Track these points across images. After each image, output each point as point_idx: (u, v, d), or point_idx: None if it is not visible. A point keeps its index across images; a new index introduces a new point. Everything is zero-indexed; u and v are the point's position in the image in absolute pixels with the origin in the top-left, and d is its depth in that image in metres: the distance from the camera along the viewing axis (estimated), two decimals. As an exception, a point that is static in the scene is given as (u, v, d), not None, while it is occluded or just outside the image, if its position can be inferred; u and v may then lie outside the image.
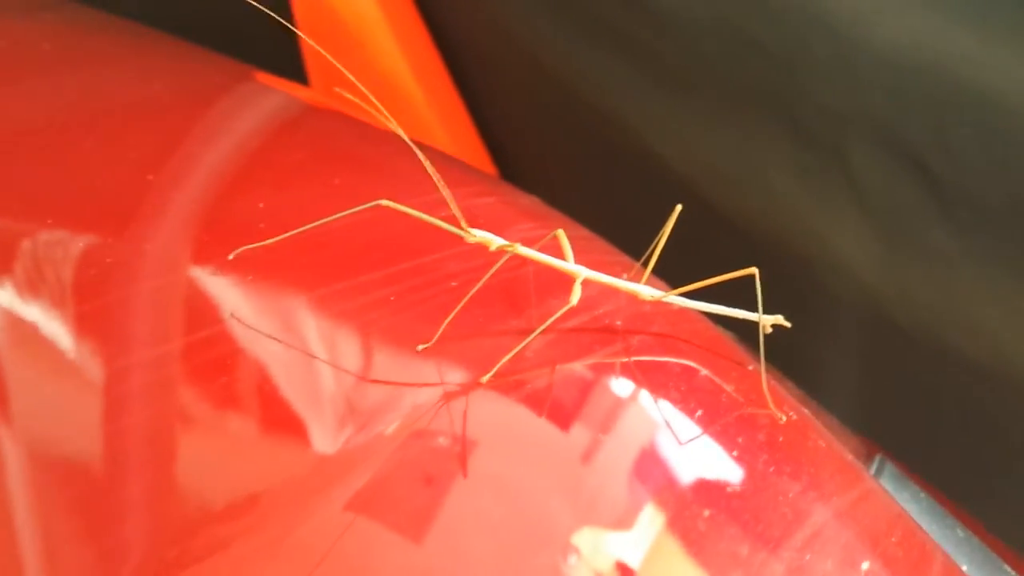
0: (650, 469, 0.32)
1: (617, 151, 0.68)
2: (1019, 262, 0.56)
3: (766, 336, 0.38)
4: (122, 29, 0.59)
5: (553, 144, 0.67)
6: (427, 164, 0.32)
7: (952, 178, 0.56)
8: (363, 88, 0.31)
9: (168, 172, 0.41)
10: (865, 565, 0.30)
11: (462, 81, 0.70)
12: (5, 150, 0.42)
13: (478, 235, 0.34)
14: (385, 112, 0.32)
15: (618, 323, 0.37)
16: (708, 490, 0.31)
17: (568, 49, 0.66)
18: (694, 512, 0.30)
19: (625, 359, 0.36)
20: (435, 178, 0.32)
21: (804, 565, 0.29)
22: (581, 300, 0.36)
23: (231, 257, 0.35)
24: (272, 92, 0.53)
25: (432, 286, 0.37)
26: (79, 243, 0.36)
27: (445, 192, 0.33)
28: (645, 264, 0.40)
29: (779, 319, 0.40)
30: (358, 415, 0.32)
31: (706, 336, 0.39)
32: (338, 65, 0.34)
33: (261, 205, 0.40)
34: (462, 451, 0.31)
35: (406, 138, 0.35)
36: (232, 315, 0.34)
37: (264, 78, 0.53)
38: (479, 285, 0.34)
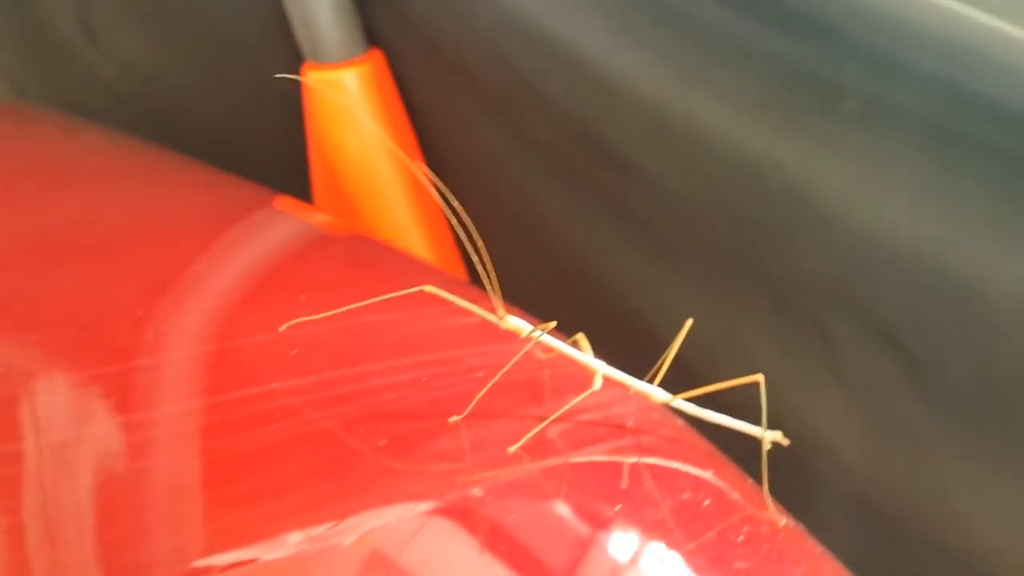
0: (658, 559, 0.34)
1: (601, 309, 0.71)
2: (994, 449, 0.57)
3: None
4: (133, 148, 0.62)
5: (536, 293, 0.70)
6: (467, 242, 0.36)
7: (930, 362, 0.57)
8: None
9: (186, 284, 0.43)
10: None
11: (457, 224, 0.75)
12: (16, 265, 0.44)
13: (511, 321, 0.37)
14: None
15: (629, 423, 0.40)
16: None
17: (564, 212, 0.69)
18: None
19: (635, 458, 0.38)
20: (475, 259, 0.36)
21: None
22: (595, 400, 0.39)
23: (282, 329, 0.37)
24: (288, 218, 0.57)
25: (459, 374, 0.39)
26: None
27: (485, 278, 0.37)
28: (651, 380, 0.43)
29: (778, 435, 0.42)
30: (390, 480, 0.33)
31: (709, 444, 0.42)
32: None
33: (302, 297, 0.43)
34: (490, 525, 0.32)
35: (447, 208, 0.38)
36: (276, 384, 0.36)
37: (282, 203, 0.57)
38: (508, 366, 0.36)
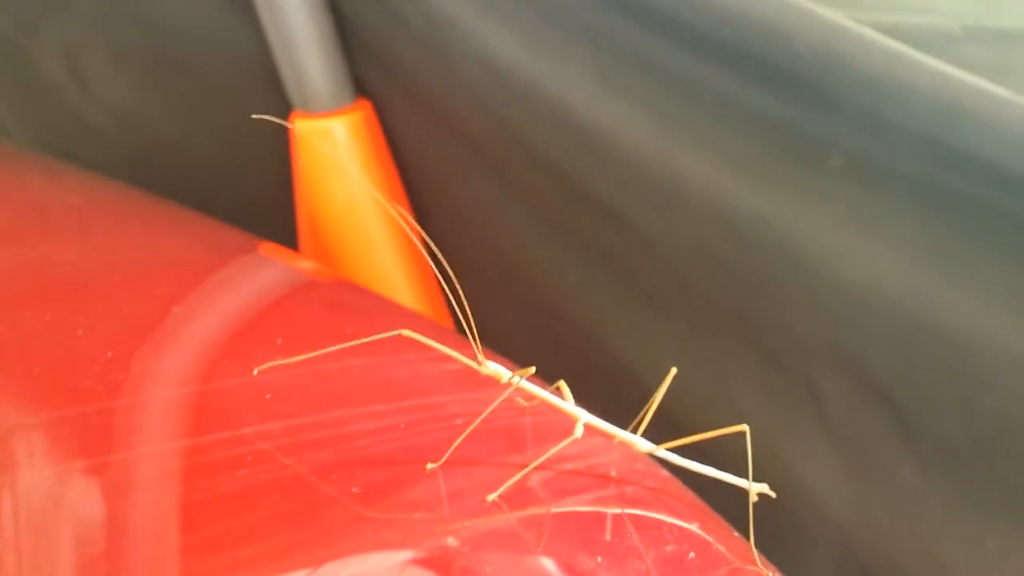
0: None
1: (584, 357, 0.70)
2: (985, 503, 0.56)
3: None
4: (116, 191, 0.62)
5: (520, 341, 0.70)
6: (445, 286, 0.35)
7: (919, 415, 0.57)
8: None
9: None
10: None
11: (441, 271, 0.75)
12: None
13: (491, 367, 0.37)
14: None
15: (612, 473, 0.39)
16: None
17: (548, 260, 0.69)
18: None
19: (619, 509, 0.37)
20: (454, 302, 0.35)
21: None
22: (577, 448, 0.38)
23: (256, 372, 0.37)
24: (272, 263, 0.56)
25: (438, 420, 0.38)
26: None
27: (464, 323, 0.36)
28: (635, 429, 0.42)
29: (765, 488, 0.42)
30: (363, 528, 0.32)
31: (694, 496, 0.41)
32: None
33: (279, 341, 0.42)
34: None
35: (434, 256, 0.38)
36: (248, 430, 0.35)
37: (266, 249, 0.57)
38: (487, 412, 0.36)
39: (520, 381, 0.36)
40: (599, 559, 0.34)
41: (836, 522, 0.63)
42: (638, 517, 0.37)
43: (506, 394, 0.37)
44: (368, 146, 0.72)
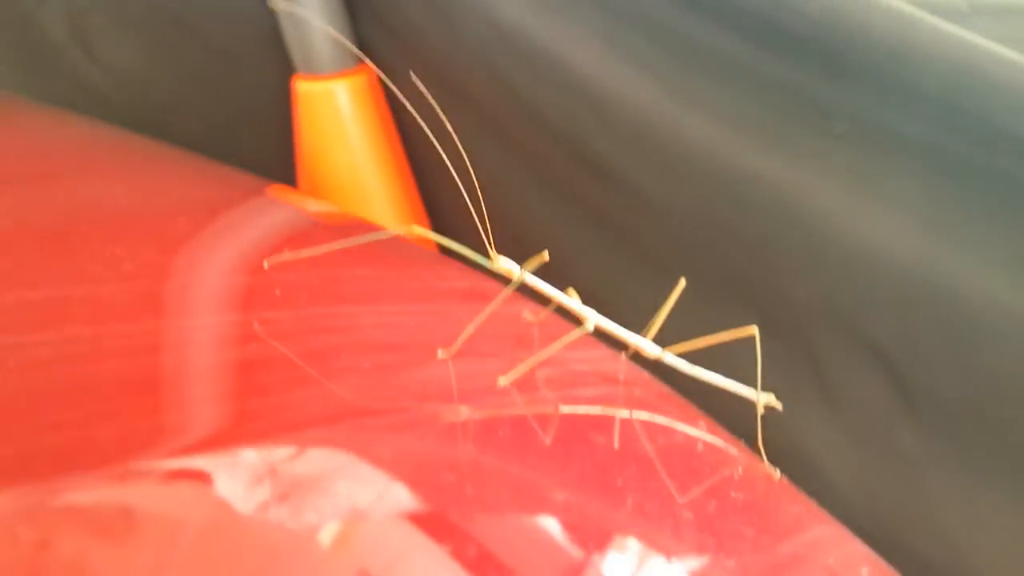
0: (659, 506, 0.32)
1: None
2: (981, 465, 0.56)
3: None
4: (122, 139, 0.62)
5: None
6: (466, 192, 0.35)
7: (918, 379, 0.57)
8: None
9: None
10: (864, 571, 0.30)
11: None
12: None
13: (502, 262, 0.37)
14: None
15: (621, 376, 0.39)
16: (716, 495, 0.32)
17: (550, 223, 0.69)
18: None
19: (627, 412, 0.37)
20: (471, 205, 0.35)
21: (808, 555, 0.29)
22: (587, 355, 0.38)
23: (266, 265, 0.36)
24: (281, 204, 0.56)
25: (447, 322, 0.38)
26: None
27: (479, 219, 0.36)
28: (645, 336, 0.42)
29: (771, 398, 0.41)
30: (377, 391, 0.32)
31: (698, 409, 0.41)
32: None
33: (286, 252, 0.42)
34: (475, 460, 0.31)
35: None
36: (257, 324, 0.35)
37: (274, 190, 0.56)
38: (498, 300, 0.35)
39: (527, 276, 0.36)
40: (619, 479, 0.33)
41: (838, 490, 0.62)
42: (646, 422, 0.37)
43: (514, 285, 0.36)
44: (370, 109, 0.72)
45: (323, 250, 0.37)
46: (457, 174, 0.36)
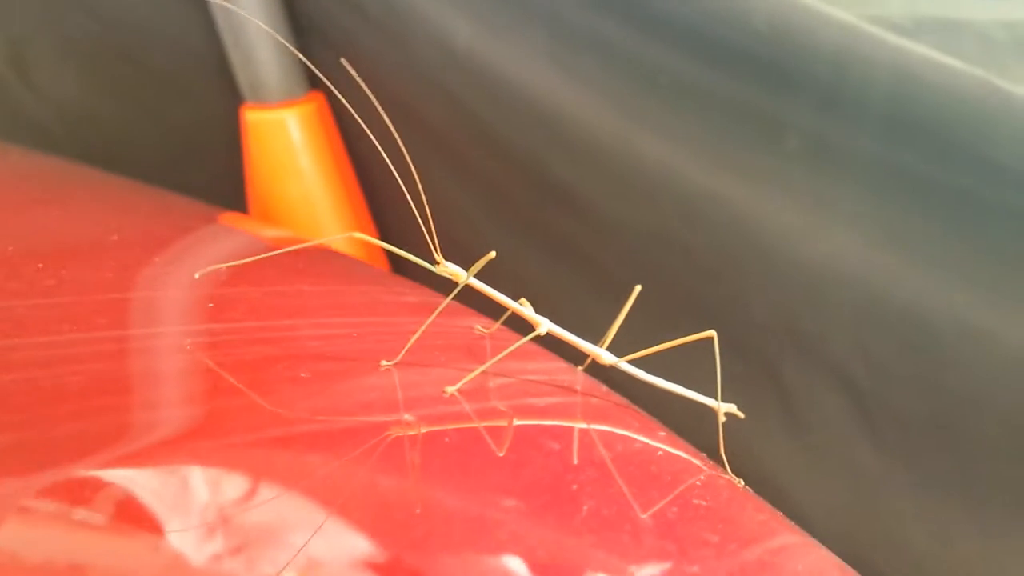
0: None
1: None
2: (943, 482, 0.55)
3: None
4: (66, 170, 0.59)
5: None
6: (413, 201, 0.34)
7: (877, 394, 0.56)
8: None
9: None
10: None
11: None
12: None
13: (449, 266, 0.35)
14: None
15: (577, 387, 0.37)
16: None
17: (507, 249, 0.68)
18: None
19: (584, 424, 0.35)
20: (415, 212, 0.34)
21: (775, 561, 0.27)
22: (540, 367, 0.36)
23: (197, 276, 0.34)
24: (233, 231, 0.54)
25: (394, 334, 0.36)
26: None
27: (424, 223, 0.34)
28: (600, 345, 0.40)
29: (733, 408, 0.40)
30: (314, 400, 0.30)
31: (659, 416, 0.39)
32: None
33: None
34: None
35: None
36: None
37: (225, 218, 0.55)
38: (445, 303, 0.34)
39: (472, 279, 0.35)
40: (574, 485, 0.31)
41: (799, 508, 0.61)
42: (604, 432, 0.35)
43: (459, 288, 0.35)
44: (320, 135, 0.71)
45: (257, 258, 0.35)
46: (408, 193, 0.34)
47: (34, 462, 0.24)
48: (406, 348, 0.33)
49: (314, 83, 0.71)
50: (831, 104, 0.54)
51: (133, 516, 0.23)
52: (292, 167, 0.71)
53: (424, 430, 0.29)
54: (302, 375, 0.30)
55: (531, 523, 0.25)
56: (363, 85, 0.34)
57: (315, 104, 0.71)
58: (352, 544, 0.24)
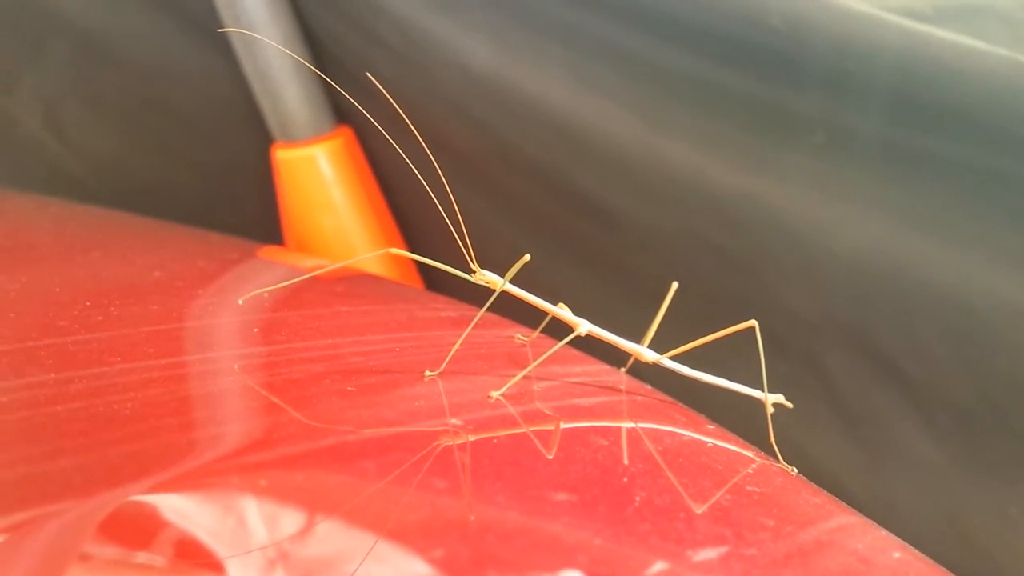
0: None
1: None
2: (1004, 467, 0.54)
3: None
4: (104, 217, 0.60)
5: None
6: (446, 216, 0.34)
7: (926, 382, 0.55)
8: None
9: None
10: (897, 555, 0.28)
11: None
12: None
13: (485, 274, 0.35)
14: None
15: (621, 387, 0.37)
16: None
17: (544, 269, 0.68)
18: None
19: (631, 423, 0.35)
20: (450, 226, 0.34)
21: (834, 540, 0.27)
22: (584, 369, 0.36)
23: (241, 302, 0.35)
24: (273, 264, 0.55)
25: (435, 347, 0.37)
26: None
27: (458, 233, 0.35)
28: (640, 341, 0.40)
29: (780, 398, 0.40)
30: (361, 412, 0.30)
31: (704, 409, 0.39)
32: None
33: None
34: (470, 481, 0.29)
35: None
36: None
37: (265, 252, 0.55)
38: (483, 310, 0.34)
39: (508, 284, 0.35)
40: (625, 478, 0.31)
41: (858, 505, 0.61)
42: (651, 429, 0.35)
43: (496, 294, 0.35)
44: (351, 171, 0.72)
45: (297, 281, 0.36)
46: (440, 205, 0.35)
47: (94, 483, 0.24)
48: (448, 357, 0.33)
49: (340, 118, 0.72)
50: (854, 96, 0.54)
51: (191, 549, 0.23)
52: (325, 201, 0.72)
53: (472, 438, 0.29)
54: (349, 388, 0.31)
55: (584, 514, 0.25)
56: (392, 102, 0.35)
57: (343, 138, 0.72)
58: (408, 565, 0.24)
